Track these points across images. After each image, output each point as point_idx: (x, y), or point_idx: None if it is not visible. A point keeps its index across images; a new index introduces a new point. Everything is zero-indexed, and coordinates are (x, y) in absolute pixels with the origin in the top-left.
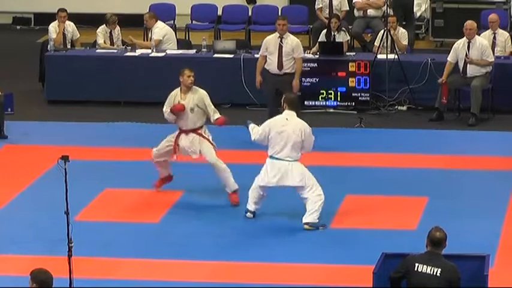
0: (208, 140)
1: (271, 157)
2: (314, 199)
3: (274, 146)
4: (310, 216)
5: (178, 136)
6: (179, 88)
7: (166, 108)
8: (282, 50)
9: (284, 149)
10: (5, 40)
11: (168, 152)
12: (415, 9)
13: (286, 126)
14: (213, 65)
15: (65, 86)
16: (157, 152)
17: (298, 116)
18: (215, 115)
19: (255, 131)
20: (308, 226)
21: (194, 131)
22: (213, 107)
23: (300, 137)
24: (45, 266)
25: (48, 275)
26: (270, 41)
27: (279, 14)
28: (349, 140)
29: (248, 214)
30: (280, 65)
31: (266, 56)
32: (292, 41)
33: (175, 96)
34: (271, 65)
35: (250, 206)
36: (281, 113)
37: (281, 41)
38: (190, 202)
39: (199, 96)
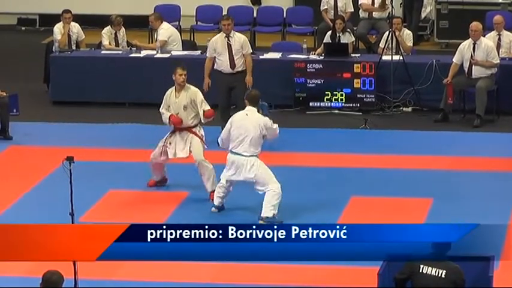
0: (201, 138)
1: (230, 151)
2: (270, 194)
3: (234, 140)
4: (265, 210)
5: (171, 135)
6: (173, 87)
7: (163, 110)
8: (232, 49)
9: (242, 143)
10: (10, 41)
11: (163, 152)
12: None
13: (245, 121)
14: None
15: (69, 87)
16: (154, 154)
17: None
18: (203, 108)
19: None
20: (262, 221)
21: (188, 129)
22: (204, 103)
23: (260, 132)
24: (49, 267)
25: (56, 276)
26: (217, 41)
27: (284, 15)
28: (354, 141)
29: (213, 209)
30: (232, 64)
31: (214, 58)
32: (239, 39)
33: (170, 95)
34: (223, 65)
35: (216, 201)
36: (231, 113)
37: (228, 40)
38: (195, 203)
39: (192, 93)
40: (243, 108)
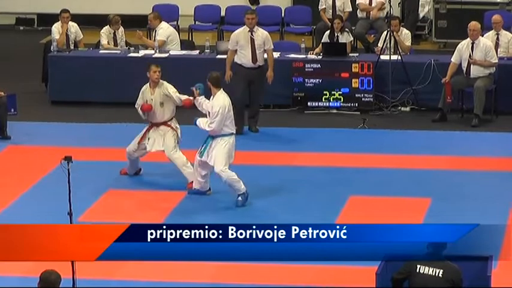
0: (175, 131)
1: (233, 134)
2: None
3: (230, 121)
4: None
5: (149, 129)
6: (148, 83)
7: (138, 104)
8: (255, 43)
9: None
10: (8, 41)
11: (139, 147)
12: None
13: (209, 104)
14: (216, 66)
15: (68, 86)
16: (129, 149)
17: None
18: (182, 97)
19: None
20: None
21: (164, 123)
22: (177, 93)
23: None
24: (48, 267)
25: (54, 276)
26: (240, 35)
27: (283, 15)
28: (352, 140)
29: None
30: (254, 58)
31: (235, 51)
32: (262, 34)
33: (145, 91)
34: (245, 59)
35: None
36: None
37: (252, 34)
38: (193, 203)
39: (165, 88)
40: (258, 103)
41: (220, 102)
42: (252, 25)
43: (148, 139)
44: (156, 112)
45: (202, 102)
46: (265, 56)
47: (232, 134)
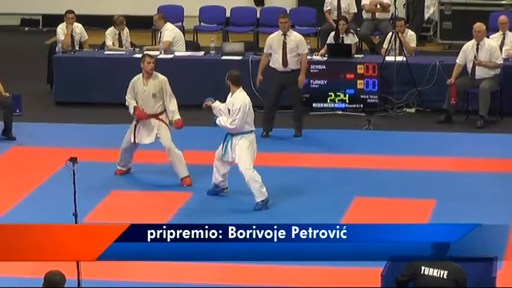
0: (167, 125)
1: (251, 132)
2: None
3: (251, 119)
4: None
5: (137, 121)
6: (141, 74)
7: (129, 99)
8: (286, 47)
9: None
10: (13, 42)
11: (131, 140)
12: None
13: (229, 102)
14: (221, 67)
15: (73, 87)
16: (124, 141)
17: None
18: (173, 110)
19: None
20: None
21: (154, 116)
22: (170, 93)
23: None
24: (53, 267)
25: (58, 277)
26: (274, 38)
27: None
28: (357, 142)
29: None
30: (285, 62)
31: (270, 54)
32: (295, 37)
33: (137, 82)
34: (277, 63)
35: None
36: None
37: (285, 38)
38: (198, 204)
39: (160, 81)
40: (299, 108)
41: (241, 99)
42: (286, 29)
43: (138, 132)
44: (147, 103)
45: (218, 105)
46: None
47: (252, 131)
